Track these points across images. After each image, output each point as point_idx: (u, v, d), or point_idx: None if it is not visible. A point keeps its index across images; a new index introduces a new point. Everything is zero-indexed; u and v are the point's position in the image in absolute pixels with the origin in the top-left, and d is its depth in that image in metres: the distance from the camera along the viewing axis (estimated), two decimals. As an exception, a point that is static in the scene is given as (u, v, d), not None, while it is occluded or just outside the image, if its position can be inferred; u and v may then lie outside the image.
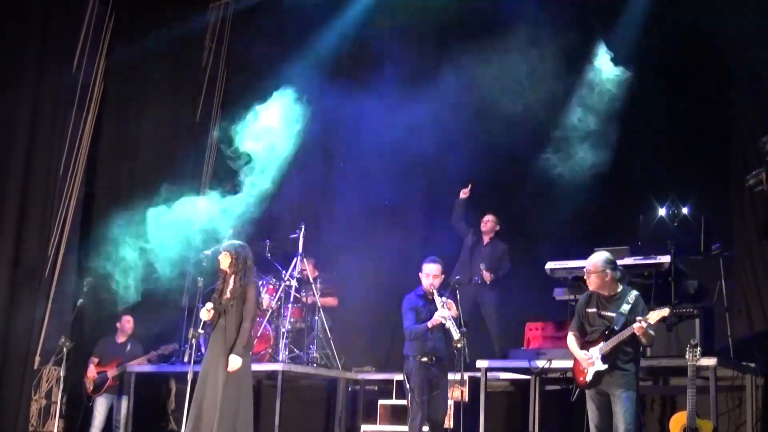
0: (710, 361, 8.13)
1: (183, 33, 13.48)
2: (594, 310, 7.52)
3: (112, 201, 12.84)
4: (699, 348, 7.61)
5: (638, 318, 7.23)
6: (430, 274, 8.75)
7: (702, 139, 10.59)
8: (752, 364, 8.79)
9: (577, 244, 9.72)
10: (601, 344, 7.35)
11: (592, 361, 7.36)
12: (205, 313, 8.59)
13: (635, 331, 7.19)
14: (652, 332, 7.29)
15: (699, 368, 7.74)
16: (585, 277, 7.57)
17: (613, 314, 7.39)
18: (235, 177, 12.78)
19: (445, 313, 8.52)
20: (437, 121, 12.27)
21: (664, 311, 7.32)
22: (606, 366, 7.31)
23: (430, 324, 8.54)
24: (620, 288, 7.52)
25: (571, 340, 7.63)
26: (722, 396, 8.84)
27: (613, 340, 7.29)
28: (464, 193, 11.24)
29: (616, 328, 7.32)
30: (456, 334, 8.40)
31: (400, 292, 10.93)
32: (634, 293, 7.49)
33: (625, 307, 7.36)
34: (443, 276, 8.82)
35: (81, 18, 12.56)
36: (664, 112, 10.78)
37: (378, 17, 12.71)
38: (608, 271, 7.47)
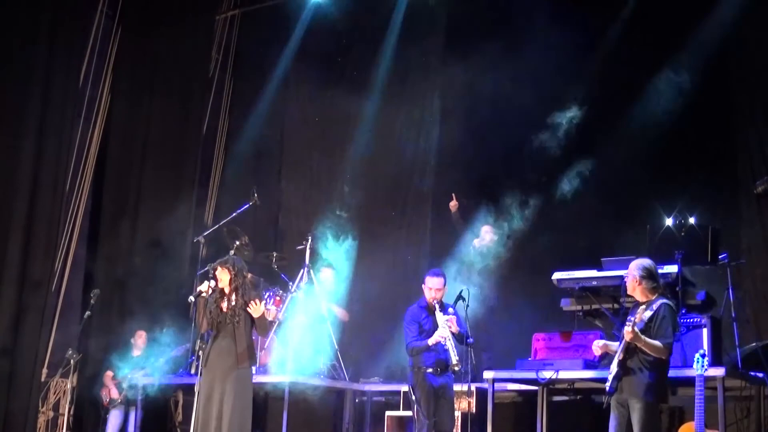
0: (718, 372, 8.09)
1: (189, 44, 13.53)
2: (630, 317, 7.50)
3: (119, 213, 12.87)
4: (707, 358, 7.58)
5: (627, 321, 7.23)
6: (433, 287, 8.75)
7: (709, 148, 10.57)
8: (760, 374, 8.75)
9: (584, 255, 9.71)
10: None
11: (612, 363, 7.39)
12: (206, 285, 8.56)
13: (625, 337, 7.18)
14: (649, 340, 7.19)
15: (707, 378, 7.71)
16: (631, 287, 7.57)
17: (635, 319, 7.38)
18: (241, 187, 12.86)
19: (445, 333, 8.50)
20: (442, 127, 12.30)
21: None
22: (623, 372, 7.28)
23: (430, 342, 8.55)
24: (654, 297, 7.47)
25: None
26: (730, 406, 8.79)
27: (622, 346, 7.28)
28: (453, 207, 11.24)
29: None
30: (454, 359, 8.40)
31: (407, 302, 10.95)
32: (660, 302, 7.39)
33: (647, 314, 7.33)
34: (446, 288, 8.81)
35: (87, 32, 12.60)
36: (670, 121, 10.76)
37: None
38: (639, 277, 7.46)
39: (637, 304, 7.53)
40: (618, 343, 7.42)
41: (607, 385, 7.39)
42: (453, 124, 12.04)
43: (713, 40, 10.52)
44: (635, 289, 7.49)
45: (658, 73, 10.86)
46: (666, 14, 10.82)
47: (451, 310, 8.66)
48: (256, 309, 8.48)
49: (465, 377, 8.66)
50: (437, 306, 8.67)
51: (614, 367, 7.35)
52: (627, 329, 7.15)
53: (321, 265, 11.36)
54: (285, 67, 13.61)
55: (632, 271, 7.50)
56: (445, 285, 8.79)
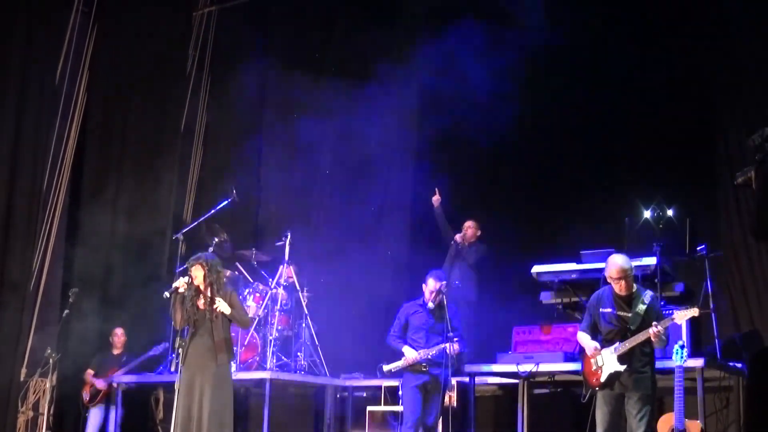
0: (697, 363, 8.14)
1: (166, 42, 13.47)
2: (609, 310, 7.51)
3: (97, 211, 12.79)
4: (686, 349, 7.62)
5: (654, 323, 7.27)
6: (426, 288, 8.96)
7: (687, 140, 10.61)
8: (739, 365, 8.81)
9: (563, 247, 9.74)
10: (617, 344, 7.38)
11: (605, 359, 7.39)
12: (182, 281, 8.54)
13: (650, 336, 7.24)
14: (664, 337, 7.33)
15: (686, 369, 7.75)
16: (615, 281, 7.47)
17: (630, 314, 7.42)
18: (220, 184, 12.82)
19: (410, 357, 8.85)
20: (422, 123, 12.29)
21: (693, 311, 7.38)
22: (623, 367, 7.33)
23: (401, 364, 8.90)
24: (635, 288, 7.55)
25: (583, 335, 7.65)
26: (710, 397, 8.86)
27: (631, 341, 7.33)
28: (435, 201, 11.23)
29: (632, 328, 7.36)
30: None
31: (388, 297, 11.04)
32: (649, 293, 7.54)
33: (641, 307, 7.40)
34: (437, 291, 8.89)
35: (63, 29, 12.51)
36: (649, 114, 10.80)
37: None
38: (631, 270, 7.53)
39: (610, 295, 7.56)
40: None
41: (602, 378, 7.40)
42: (432, 113, 12.02)
43: (692, 31, 10.55)
44: (631, 285, 7.53)
45: (636, 65, 10.89)
46: (647, 6, 10.86)
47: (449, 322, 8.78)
48: (222, 306, 8.46)
49: (446, 371, 8.72)
50: (430, 305, 8.92)
51: (613, 362, 7.37)
52: (655, 330, 7.20)
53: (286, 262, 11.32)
54: (262, 63, 13.56)
55: (627, 269, 7.46)
56: (436, 286, 8.92)
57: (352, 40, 12.88)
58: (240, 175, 13.14)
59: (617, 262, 7.50)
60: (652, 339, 7.27)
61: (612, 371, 7.39)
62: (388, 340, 9.07)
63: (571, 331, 9.06)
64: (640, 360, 7.39)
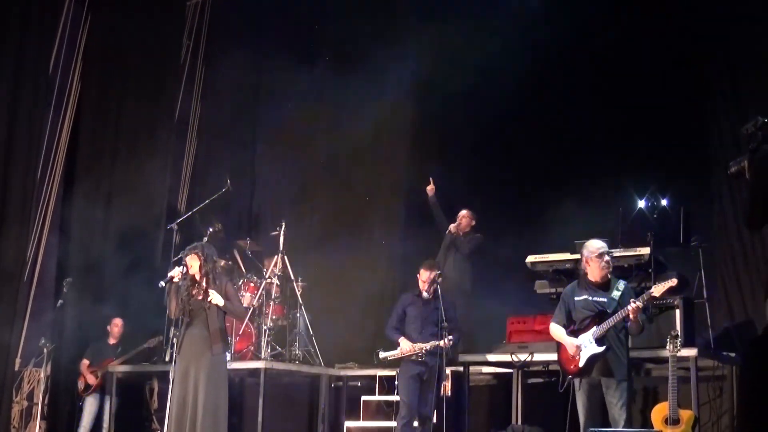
0: (691, 352, 8.17)
1: (160, 31, 13.43)
2: (584, 297, 7.55)
3: (91, 201, 12.78)
4: (679, 339, 7.65)
5: (632, 300, 7.31)
6: (420, 278, 9.02)
7: (681, 130, 10.61)
8: (732, 354, 8.83)
9: (557, 237, 9.74)
10: (594, 329, 7.40)
11: (583, 345, 7.40)
12: (177, 271, 8.54)
13: (629, 313, 7.26)
14: (641, 319, 7.36)
15: (680, 359, 7.78)
16: (596, 259, 7.51)
17: (605, 299, 7.47)
18: (214, 173, 12.81)
19: (405, 348, 8.91)
20: (415, 111, 12.28)
21: (671, 281, 7.40)
22: (602, 348, 7.34)
23: (396, 354, 8.96)
24: (609, 275, 7.59)
25: (557, 328, 7.65)
26: (703, 386, 8.88)
27: (608, 322, 7.35)
28: (430, 190, 11.20)
29: (608, 311, 7.39)
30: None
31: (382, 287, 11.01)
32: (622, 282, 7.64)
33: (616, 293, 7.49)
34: (431, 281, 8.93)
35: (57, 19, 12.47)
36: (642, 103, 10.79)
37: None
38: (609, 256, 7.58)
39: (584, 283, 7.59)
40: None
41: (581, 363, 7.41)
42: (426, 101, 12.00)
43: (685, 19, 10.54)
44: (603, 270, 7.56)
45: (630, 54, 10.88)
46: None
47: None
48: (216, 298, 8.47)
49: (441, 361, 8.76)
50: (425, 295, 8.99)
51: (591, 346, 7.38)
52: (634, 306, 7.24)
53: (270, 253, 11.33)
54: (256, 51, 13.54)
55: (605, 246, 7.56)
56: (429, 276, 8.95)
57: (345, 26, 12.86)
58: (234, 165, 13.14)
59: (597, 242, 7.62)
60: (631, 316, 7.28)
61: (590, 354, 7.39)
62: (386, 331, 9.11)
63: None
64: (617, 346, 7.43)
